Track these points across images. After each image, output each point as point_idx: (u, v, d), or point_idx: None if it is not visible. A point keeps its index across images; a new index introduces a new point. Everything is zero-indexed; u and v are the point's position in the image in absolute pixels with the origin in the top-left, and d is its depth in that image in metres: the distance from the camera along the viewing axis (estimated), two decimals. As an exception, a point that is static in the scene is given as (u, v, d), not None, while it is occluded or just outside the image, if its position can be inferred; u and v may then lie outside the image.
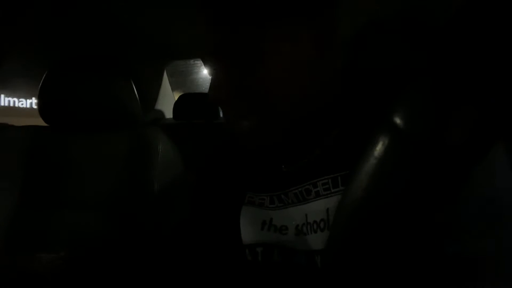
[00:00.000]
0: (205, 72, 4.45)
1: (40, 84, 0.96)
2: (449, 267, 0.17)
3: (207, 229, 0.47)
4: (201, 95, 1.80)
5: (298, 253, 0.39)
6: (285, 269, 0.40)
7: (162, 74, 1.90)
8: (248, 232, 0.43)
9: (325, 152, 0.39)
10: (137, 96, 1.02)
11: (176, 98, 1.80)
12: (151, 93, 1.83)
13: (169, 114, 1.88)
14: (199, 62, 3.90)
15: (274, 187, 0.43)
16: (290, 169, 0.42)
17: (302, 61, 0.36)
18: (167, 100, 1.95)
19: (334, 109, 0.39)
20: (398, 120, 0.21)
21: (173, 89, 2.06)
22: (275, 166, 0.44)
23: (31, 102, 3.72)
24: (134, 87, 1.01)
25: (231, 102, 0.38)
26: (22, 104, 3.78)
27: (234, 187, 0.47)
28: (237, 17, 0.36)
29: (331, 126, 0.40)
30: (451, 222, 0.17)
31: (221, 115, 1.77)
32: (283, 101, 0.36)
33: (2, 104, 3.67)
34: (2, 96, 3.66)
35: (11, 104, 3.73)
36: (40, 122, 1.01)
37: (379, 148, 0.22)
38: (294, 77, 0.36)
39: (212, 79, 0.40)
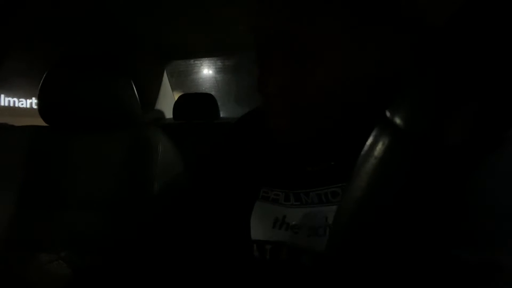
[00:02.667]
0: (205, 72, 4.45)
1: (40, 84, 0.96)
2: (460, 273, 0.17)
3: (215, 223, 0.46)
4: (201, 95, 1.80)
5: (306, 254, 0.39)
6: (290, 268, 0.39)
7: (162, 74, 1.90)
8: (258, 228, 0.42)
9: (354, 156, 0.39)
10: (137, 96, 1.02)
11: (176, 98, 1.80)
12: (151, 93, 1.83)
13: (169, 114, 1.88)
14: (199, 62, 3.90)
15: (293, 184, 0.42)
16: (315, 169, 0.42)
17: (360, 67, 0.35)
18: (167, 100, 1.95)
19: (365, 112, 0.39)
20: (398, 120, 0.21)
21: (173, 89, 2.06)
22: (299, 165, 0.43)
23: (31, 102, 3.72)
24: (134, 87, 1.01)
25: (277, 99, 0.37)
26: (22, 104, 3.78)
27: (248, 181, 0.45)
28: (320, 8, 0.33)
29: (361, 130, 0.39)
30: (471, 228, 0.17)
31: (221, 115, 1.77)
32: (329, 104, 0.35)
33: (2, 104, 3.66)
34: (2, 96, 3.66)
35: (11, 104, 3.73)
36: (40, 122, 1.00)
37: (379, 148, 0.22)
38: (347, 82, 0.35)
39: (262, 71, 0.37)
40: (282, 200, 0.42)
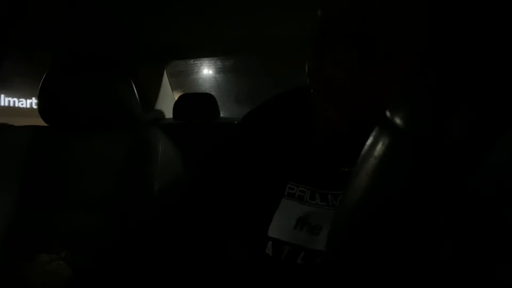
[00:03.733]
0: (205, 72, 4.45)
1: (40, 84, 0.96)
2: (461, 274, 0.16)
3: (234, 214, 0.44)
4: (201, 95, 1.80)
5: (321, 256, 0.37)
6: (303, 271, 0.38)
7: (162, 74, 1.90)
8: (279, 226, 0.40)
9: None
10: (137, 96, 1.02)
11: (176, 98, 1.80)
12: (151, 93, 1.83)
13: (169, 114, 1.88)
14: (199, 62, 3.90)
15: (322, 183, 0.40)
16: (349, 171, 0.39)
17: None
18: (167, 100, 1.95)
19: None
20: (398, 120, 0.21)
21: (173, 89, 2.06)
22: (331, 164, 0.40)
23: (31, 102, 3.72)
24: (134, 87, 1.01)
25: (338, 91, 0.33)
26: (22, 104, 3.78)
27: (275, 173, 0.42)
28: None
29: None
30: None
31: (221, 115, 1.77)
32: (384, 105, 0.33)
33: (2, 104, 3.67)
34: (2, 96, 3.66)
35: (11, 104, 3.73)
36: (40, 122, 1.01)
37: (379, 148, 0.22)
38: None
39: (325, 61, 0.33)
40: (308, 198, 0.40)
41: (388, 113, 0.22)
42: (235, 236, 0.43)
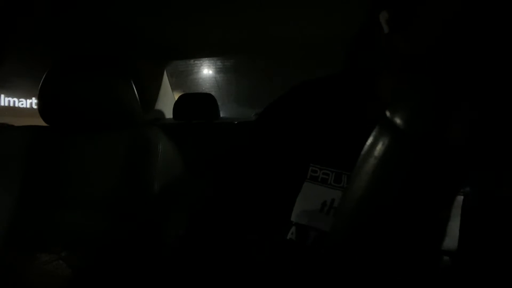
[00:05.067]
0: (205, 72, 4.45)
1: (40, 84, 0.96)
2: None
3: (257, 199, 0.42)
4: (201, 95, 1.80)
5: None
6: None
7: (162, 74, 1.91)
8: (303, 211, 0.39)
9: None
10: (137, 96, 1.02)
11: (176, 98, 1.80)
12: (151, 93, 1.83)
13: (169, 114, 1.88)
14: (199, 62, 3.90)
15: (348, 164, 0.39)
16: None
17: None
18: (167, 100, 1.95)
19: None
20: (397, 120, 0.21)
21: (173, 89, 2.06)
22: (358, 141, 0.40)
23: (31, 102, 3.72)
24: (134, 87, 1.01)
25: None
26: (22, 104, 3.78)
27: (297, 155, 0.41)
28: None
29: None
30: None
31: (221, 115, 1.77)
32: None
33: (2, 104, 3.66)
34: (2, 96, 3.66)
35: (11, 104, 3.73)
36: (40, 122, 1.01)
37: (379, 148, 0.22)
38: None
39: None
40: (332, 181, 0.39)
41: (388, 113, 0.22)
42: (254, 230, 0.42)
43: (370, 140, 0.23)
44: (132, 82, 1.01)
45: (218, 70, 4.44)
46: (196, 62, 3.80)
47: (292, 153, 0.42)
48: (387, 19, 0.35)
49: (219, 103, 1.75)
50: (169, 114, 1.87)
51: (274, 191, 0.41)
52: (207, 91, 4.11)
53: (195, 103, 1.73)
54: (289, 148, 0.42)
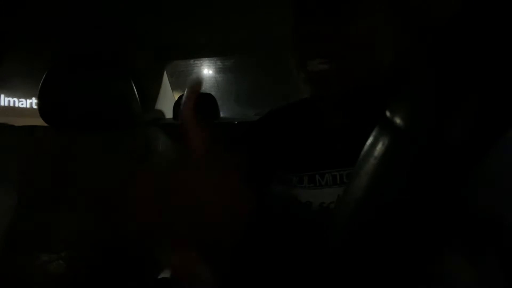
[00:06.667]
0: (205, 72, 4.45)
1: (40, 84, 0.96)
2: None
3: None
4: (201, 95, 1.79)
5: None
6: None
7: (162, 74, 1.90)
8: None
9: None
10: (137, 96, 1.02)
11: (176, 98, 1.80)
12: (151, 93, 1.83)
13: (169, 114, 1.87)
14: (199, 62, 3.90)
15: (314, 166, 0.44)
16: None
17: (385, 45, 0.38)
18: (167, 100, 1.95)
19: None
20: (397, 119, 0.21)
21: (173, 89, 2.06)
22: (326, 142, 0.45)
23: (31, 102, 3.72)
24: (134, 87, 1.01)
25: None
26: (22, 104, 3.78)
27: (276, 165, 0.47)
28: None
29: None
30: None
31: (221, 115, 1.77)
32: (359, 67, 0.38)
33: (2, 104, 3.67)
34: (2, 96, 3.66)
35: (11, 104, 3.73)
36: (40, 122, 1.01)
37: (379, 147, 0.22)
38: (374, 54, 0.38)
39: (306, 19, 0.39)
40: (306, 183, 0.44)
41: (388, 113, 0.22)
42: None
43: (370, 140, 0.23)
44: (132, 82, 1.01)
45: (218, 70, 4.44)
46: (196, 62, 3.80)
47: (271, 161, 0.47)
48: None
49: (219, 103, 1.74)
50: (169, 114, 1.87)
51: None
52: (207, 91, 4.12)
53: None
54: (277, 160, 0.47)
